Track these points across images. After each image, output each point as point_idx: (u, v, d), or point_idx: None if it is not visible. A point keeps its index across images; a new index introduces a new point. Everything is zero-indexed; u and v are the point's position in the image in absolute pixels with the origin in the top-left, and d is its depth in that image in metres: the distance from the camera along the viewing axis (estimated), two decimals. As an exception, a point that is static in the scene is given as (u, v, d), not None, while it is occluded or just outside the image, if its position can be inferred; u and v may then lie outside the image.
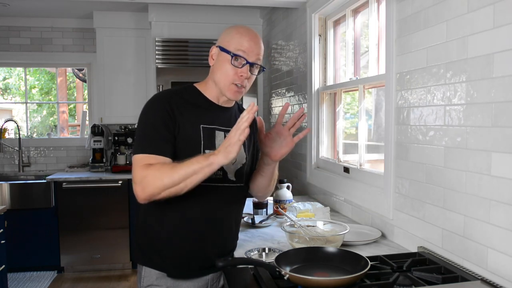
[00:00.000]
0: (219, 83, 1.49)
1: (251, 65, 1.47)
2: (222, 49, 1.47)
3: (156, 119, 1.43)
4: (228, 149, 1.29)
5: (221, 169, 1.49)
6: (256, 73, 1.51)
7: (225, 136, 1.50)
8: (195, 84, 1.57)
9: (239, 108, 1.65)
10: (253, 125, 1.66)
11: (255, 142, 1.66)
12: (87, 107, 4.97)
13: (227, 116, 1.56)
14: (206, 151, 1.46)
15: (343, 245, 1.67)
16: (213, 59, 1.51)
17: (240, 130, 1.28)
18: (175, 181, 1.32)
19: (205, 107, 1.52)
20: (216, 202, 1.50)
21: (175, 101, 1.46)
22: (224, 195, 1.53)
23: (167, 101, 1.46)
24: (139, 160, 1.39)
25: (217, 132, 1.51)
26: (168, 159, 1.39)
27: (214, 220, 1.52)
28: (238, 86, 1.48)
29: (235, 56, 1.44)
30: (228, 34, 1.49)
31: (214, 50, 1.51)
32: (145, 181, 1.33)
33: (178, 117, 1.44)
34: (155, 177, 1.33)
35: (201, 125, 1.48)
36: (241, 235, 1.96)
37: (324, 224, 1.83)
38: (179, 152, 1.43)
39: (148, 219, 1.53)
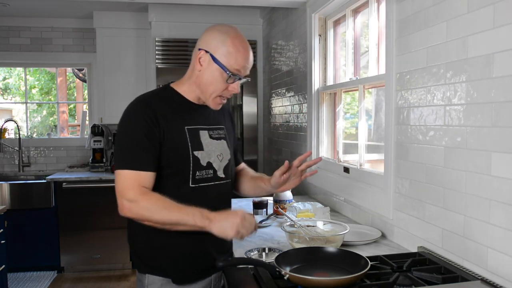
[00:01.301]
0: (205, 92, 1.47)
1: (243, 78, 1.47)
2: (216, 61, 1.41)
3: (139, 129, 1.39)
4: (226, 231, 1.33)
5: (211, 167, 1.51)
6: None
7: (209, 135, 1.53)
8: (171, 85, 1.55)
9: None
10: (229, 118, 1.69)
11: (234, 137, 1.71)
12: (87, 107, 4.97)
13: (207, 114, 1.56)
14: (195, 152, 1.46)
15: (343, 245, 1.67)
16: (201, 65, 1.44)
17: (246, 231, 1.34)
18: (164, 222, 1.35)
19: (186, 108, 1.51)
20: (209, 200, 1.49)
21: (156, 106, 1.43)
22: (216, 192, 1.53)
23: (148, 107, 1.41)
24: (127, 177, 1.37)
25: (201, 131, 1.51)
26: (153, 174, 1.39)
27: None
28: (223, 98, 1.49)
29: (231, 75, 1.42)
30: (223, 45, 1.41)
31: (203, 57, 1.43)
32: (135, 206, 1.34)
33: (162, 122, 1.41)
34: (147, 209, 1.34)
35: (186, 127, 1.47)
36: (241, 235, 1.96)
37: (324, 224, 1.83)
38: (167, 156, 1.41)
39: (144, 227, 1.44)
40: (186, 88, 1.51)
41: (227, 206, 1.62)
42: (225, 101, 1.52)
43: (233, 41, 1.42)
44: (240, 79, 1.45)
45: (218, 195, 1.54)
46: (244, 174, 1.75)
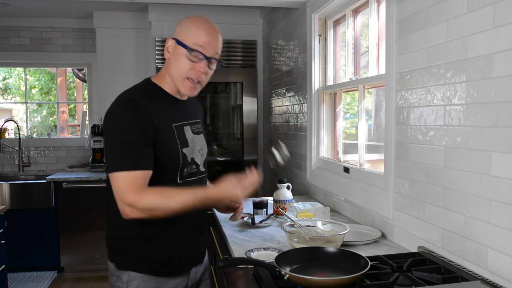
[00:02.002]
0: (174, 78, 1.46)
1: (209, 59, 1.43)
2: (178, 42, 1.41)
3: (133, 128, 1.35)
4: (235, 192, 1.40)
5: (194, 162, 1.52)
6: (214, 68, 1.48)
7: (191, 130, 1.54)
8: (152, 79, 1.54)
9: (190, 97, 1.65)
10: (201, 111, 1.72)
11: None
12: (87, 107, 4.97)
13: (186, 107, 1.56)
14: (183, 149, 1.47)
15: (343, 245, 1.67)
16: (169, 52, 1.45)
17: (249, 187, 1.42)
18: (179, 209, 1.35)
19: (170, 104, 1.50)
20: None
21: (146, 104, 1.40)
22: (198, 186, 1.54)
23: (140, 106, 1.38)
24: (122, 179, 1.33)
25: (185, 127, 1.52)
26: (149, 172, 1.37)
27: (193, 213, 1.48)
28: (194, 81, 1.45)
29: (191, 51, 1.40)
30: (185, 27, 1.43)
31: (169, 43, 1.45)
32: (136, 208, 1.32)
33: (155, 121, 1.40)
34: (148, 207, 1.33)
35: (173, 125, 1.47)
36: (241, 235, 1.97)
37: (324, 224, 1.83)
38: (159, 155, 1.40)
39: (125, 224, 1.43)
40: (165, 82, 1.50)
41: None
42: (197, 87, 1.48)
43: (194, 20, 1.44)
44: (207, 58, 1.42)
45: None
46: None
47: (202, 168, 1.57)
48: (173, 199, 1.34)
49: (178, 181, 1.46)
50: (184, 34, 1.42)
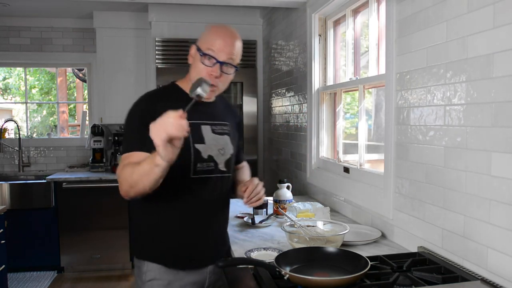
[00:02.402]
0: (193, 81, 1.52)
1: (224, 64, 1.49)
2: (197, 48, 1.51)
3: (136, 119, 1.48)
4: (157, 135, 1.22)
5: (213, 160, 1.56)
6: (230, 73, 1.53)
7: (212, 130, 1.59)
8: (176, 82, 1.63)
9: (225, 102, 1.74)
10: (236, 117, 1.76)
11: (239, 134, 1.77)
12: (87, 107, 4.97)
13: (210, 111, 1.62)
14: (196, 145, 1.52)
15: (343, 245, 1.67)
16: (191, 57, 1.55)
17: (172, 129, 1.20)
18: (134, 182, 1.35)
19: (187, 103, 1.49)
20: (209, 192, 1.57)
21: (158, 99, 1.52)
22: (217, 185, 1.59)
23: (149, 100, 1.52)
24: (122, 160, 1.46)
25: (202, 126, 1.57)
26: (144, 153, 1.38)
27: (209, 209, 1.59)
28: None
29: (204, 55, 1.48)
30: (204, 34, 1.53)
31: (192, 49, 1.54)
32: (120, 181, 1.40)
33: (157, 114, 1.37)
34: (123, 178, 1.39)
35: (188, 121, 1.47)
36: (241, 235, 1.97)
37: (324, 224, 1.83)
38: None
39: (145, 213, 1.57)
40: (187, 84, 1.56)
41: (226, 199, 1.69)
42: (214, 90, 1.52)
43: (212, 28, 1.53)
44: (220, 62, 1.47)
45: (219, 187, 1.61)
46: (237, 177, 1.80)
47: (222, 168, 1.60)
48: (133, 167, 1.35)
49: (192, 175, 1.52)
50: (202, 41, 1.52)
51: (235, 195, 1.79)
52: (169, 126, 1.19)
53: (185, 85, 1.58)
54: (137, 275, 1.61)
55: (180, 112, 1.22)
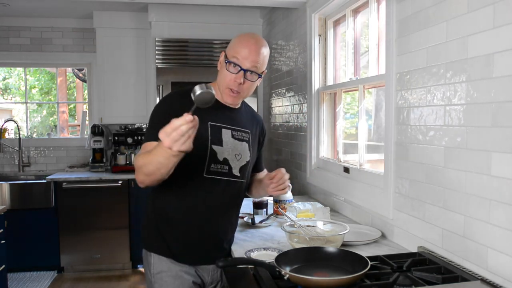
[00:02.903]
0: (219, 87, 1.60)
1: (247, 71, 1.54)
2: (225, 55, 1.57)
3: (159, 113, 1.54)
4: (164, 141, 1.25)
5: (227, 163, 1.59)
6: (254, 80, 1.57)
7: (232, 135, 1.63)
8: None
9: (251, 111, 1.78)
10: (259, 127, 1.79)
11: (260, 144, 1.80)
12: (87, 107, 4.97)
13: (233, 116, 1.66)
14: (213, 146, 1.56)
15: (343, 245, 1.67)
16: (220, 63, 1.61)
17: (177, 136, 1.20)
18: (150, 171, 1.36)
19: (213, 107, 1.51)
20: (220, 194, 1.60)
21: (183, 100, 1.48)
22: (228, 188, 1.63)
23: (174, 98, 1.58)
24: (141, 148, 1.51)
25: (223, 130, 1.61)
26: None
27: (217, 211, 1.63)
28: (233, 91, 1.57)
29: (229, 63, 1.54)
30: (232, 41, 1.59)
31: (221, 56, 1.60)
32: (136, 170, 1.44)
33: (180, 112, 1.43)
34: (138, 167, 1.42)
35: (209, 123, 1.57)
36: (241, 235, 1.96)
37: (324, 224, 1.83)
38: None
39: (156, 207, 1.62)
40: (215, 88, 1.61)
41: (237, 203, 1.73)
42: (237, 96, 1.59)
43: (240, 36, 1.59)
44: (243, 69, 1.53)
45: (230, 191, 1.64)
46: (255, 177, 1.84)
47: (236, 173, 1.64)
48: (153, 156, 1.34)
49: (204, 174, 1.56)
50: (229, 48, 1.58)
51: (250, 194, 1.87)
52: (173, 136, 1.21)
53: (215, 90, 1.60)
54: (145, 266, 1.68)
55: (177, 122, 1.19)
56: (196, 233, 1.61)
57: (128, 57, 4.35)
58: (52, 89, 6.97)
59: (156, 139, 1.38)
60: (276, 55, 3.74)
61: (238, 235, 1.98)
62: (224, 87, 1.58)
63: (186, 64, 4.06)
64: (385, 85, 1.93)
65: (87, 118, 4.98)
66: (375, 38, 2.22)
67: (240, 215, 2.33)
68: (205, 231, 1.63)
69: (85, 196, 4.08)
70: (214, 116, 1.60)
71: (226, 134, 1.61)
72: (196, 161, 1.54)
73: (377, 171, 2.13)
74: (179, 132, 1.19)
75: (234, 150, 1.63)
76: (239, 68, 1.53)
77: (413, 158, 1.72)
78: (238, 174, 1.65)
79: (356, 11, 2.50)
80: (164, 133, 1.20)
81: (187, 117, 1.19)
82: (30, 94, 6.17)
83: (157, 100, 4.05)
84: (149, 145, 1.46)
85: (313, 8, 2.80)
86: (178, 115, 1.26)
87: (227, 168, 1.61)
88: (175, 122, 1.19)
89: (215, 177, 1.58)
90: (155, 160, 1.32)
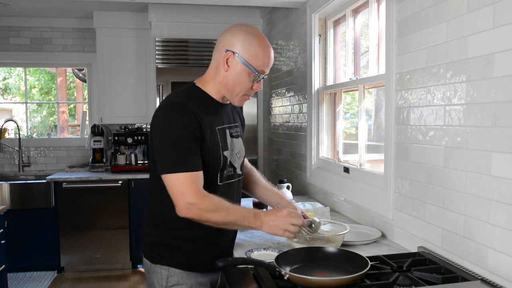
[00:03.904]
0: (232, 92, 1.51)
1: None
2: (245, 63, 1.45)
3: (185, 131, 1.40)
4: (275, 230, 1.42)
5: (232, 165, 1.57)
6: None
7: (230, 134, 1.58)
8: (196, 83, 1.56)
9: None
10: (240, 116, 1.74)
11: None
12: (87, 107, 4.97)
13: (227, 111, 1.62)
14: (224, 152, 1.52)
15: (343, 245, 1.67)
16: (229, 66, 1.47)
17: (294, 229, 1.42)
18: (221, 223, 1.42)
19: (213, 107, 1.54)
20: (231, 197, 1.57)
21: (194, 108, 1.44)
22: (237, 189, 1.63)
23: (189, 111, 1.42)
24: (184, 180, 1.39)
25: (226, 131, 1.57)
26: (201, 172, 1.43)
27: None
28: (248, 96, 1.55)
29: (258, 74, 1.48)
30: (251, 46, 1.45)
31: (231, 58, 1.46)
32: (196, 208, 1.38)
33: (201, 124, 1.44)
34: (207, 211, 1.39)
35: (216, 128, 1.52)
36: (241, 235, 1.96)
37: (324, 224, 1.83)
38: (203, 156, 1.45)
39: (171, 220, 1.49)
40: (211, 88, 1.54)
41: (240, 201, 1.71)
42: (249, 99, 1.58)
43: (259, 41, 1.47)
44: (264, 77, 1.52)
45: (237, 191, 1.64)
46: (256, 180, 1.82)
47: (239, 171, 1.62)
48: (228, 212, 1.41)
49: (219, 183, 1.53)
50: (250, 55, 1.46)
51: (250, 193, 1.84)
52: (288, 226, 1.41)
53: (207, 87, 1.53)
54: (154, 279, 1.55)
55: (291, 211, 1.45)
56: (211, 242, 1.55)
57: (128, 57, 4.35)
58: (52, 89, 6.97)
59: (197, 164, 1.41)
60: (276, 55, 3.74)
61: (238, 235, 1.97)
62: (243, 93, 1.50)
63: (186, 64, 4.06)
64: (385, 85, 1.93)
65: (87, 118, 4.97)
66: (375, 38, 2.22)
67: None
68: (219, 239, 1.58)
69: (85, 196, 4.08)
70: (217, 118, 1.53)
71: (228, 134, 1.57)
72: (212, 171, 1.49)
73: (377, 171, 2.13)
74: (293, 230, 1.42)
75: (234, 149, 1.58)
76: (262, 77, 1.50)
77: (413, 158, 1.72)
78: (240, 172, 1.63)
79: (356, 11, 2.50)
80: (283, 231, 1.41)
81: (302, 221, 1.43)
82: (30, 94, 6.17)
83: (157, 100, 4.05)
84: (196, 177, 1.40)
85: (313, 8, 2.80)
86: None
87: (232, 170, 1.57)
88: (297, 223, 1.42)
89: (227, 182, 1.55)
90: (240, 225, 1.44)
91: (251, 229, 1.45)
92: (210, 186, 1.47)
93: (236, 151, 1.59)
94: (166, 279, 1.52)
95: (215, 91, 1.53)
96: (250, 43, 1.45)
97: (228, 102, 1.59)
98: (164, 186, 1.42)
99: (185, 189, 1.38)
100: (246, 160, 1.81)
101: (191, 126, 1.40)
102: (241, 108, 1.82)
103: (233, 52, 1.46)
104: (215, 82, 1.52)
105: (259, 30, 1.53)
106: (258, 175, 1.84)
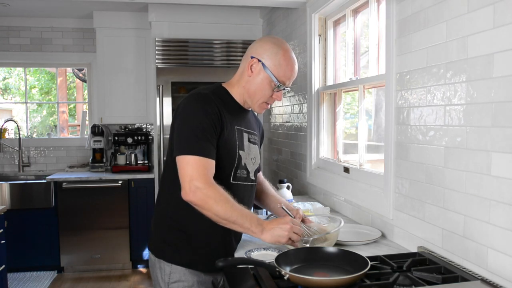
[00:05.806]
0: (253, 98, 1.57)
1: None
2: (267, 70, 1.52)
3: (206, 120, 1.45)
4: (279, 239, 1.43)
5: (246, 168, 1.60)
6: None
7: (248, 138, 1.62)
8: (224, 85, 1.63)
9: (251, 111, 1.76)
10: (260, 128, 1.80)
11: (260, 146, 1.81)
12: (87, 107, 4.97)
13: (248, 118, 1.67)
14: (240, 151, 1.55)
15: (343, 245, 1.67)
16: (252, 72, 1.54)
17: (296, 237, 1.44)
18: (222, 216, 1.40)
19: (236, 109, 1.60)
20: (241, 200, 1.57)
21: (218, 103, 1.52)
22: (247, 194, 1.63)
23: (214, 103, 1.49)
24: (197, 163, 1.41)
25: (244, 133, 1.61)
26: (213, 161, 1.45)
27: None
28: (268, 104, 1.59)
29: (280, 85, 1.53)
30: (276, 56, 1.52)
31: (255, 65, 1.54)
32: (201, 192, 1.39)
33: (222, 118, 1.49)
34: (211, 198, 1.39)
35: (236, 127, 1.57)
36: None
37: (319, 221, 1.83)
38: (219, 150, 1.49)
39: (180, 217, 1.56)
40: (236, 91, 1.60)
41: (250, 207, 1.72)
42: (268, 107, 1.63)
43: (285, 54, 1.53)
44: (284, 89, 1.57)
45: (248, 196, 1.64)
46: (268, 192, 1.85)
47: (252, 177, 1.64)
48: (232, 207, 1.41)
49: (231, 180, 1.55)
50: (273, 64, 1.52)
51: (260, 203, 1.87)
52: (291, 234, 1.43)
53: (233, 91, 1.60)
54: (158, 275, 1.60)
55: (293, 220, 1.49)
56: (217, 241, 1.58)
57: (128, 57, 4.35)
58: (52, 89, 6.97)
59: (211, 156, 1.43)
60: (276, 55, 3.74)
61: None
62: (262, 100, 1.57)
63: (186, 64, 4.05)
64: (385, 85, 1.93)
65: (87, 118, 4.98)
66: (375, 38, 2.22)
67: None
68: (226, 239, 1.60)
69: (85, 196, 4.08)
70: (238, 119, 1.59)
71: (245, 138, 1.61)
72: (226, 167, 1.52)
73: (377, 171, 2.13)
74: (296, 238, 1.44)
75: (250, 154, 1.63)
76: (282, 87, 1.55)
77: (413, 158, 1.72)
78: (253, 178, 1.66)
79: (356, 11, 2.50)
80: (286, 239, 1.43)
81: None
82: (30, 94, 6.17)
83: (157, 100, 4.04)
84: (206, 163, 1.42)
85: (313, 8, 2.80)
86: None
87: (245, 173, 1.60)
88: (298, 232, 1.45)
89: (239, 182, 1.58)
90: (240, 225, 1.42)
91: (249, 233, 1.43)
92: (222, 181, 1.49)
93: (252, 155, 1.63)
94: (169, 275, 1.56)
95: (239, 95, 1.59)
96: (276, 53, 1.52)
97: (250, 108, 1.65)
98: (174, 183, 1.46)
99: (194, 172, 1.40)
100: (260, 173, 1.87)
101: (212, 117, 1.46)
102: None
103: (258, 60, 1.53)
104: (239, 86, 1.59)
105: (288, 45, 1.58)
106: (269, 186, 1.88)
